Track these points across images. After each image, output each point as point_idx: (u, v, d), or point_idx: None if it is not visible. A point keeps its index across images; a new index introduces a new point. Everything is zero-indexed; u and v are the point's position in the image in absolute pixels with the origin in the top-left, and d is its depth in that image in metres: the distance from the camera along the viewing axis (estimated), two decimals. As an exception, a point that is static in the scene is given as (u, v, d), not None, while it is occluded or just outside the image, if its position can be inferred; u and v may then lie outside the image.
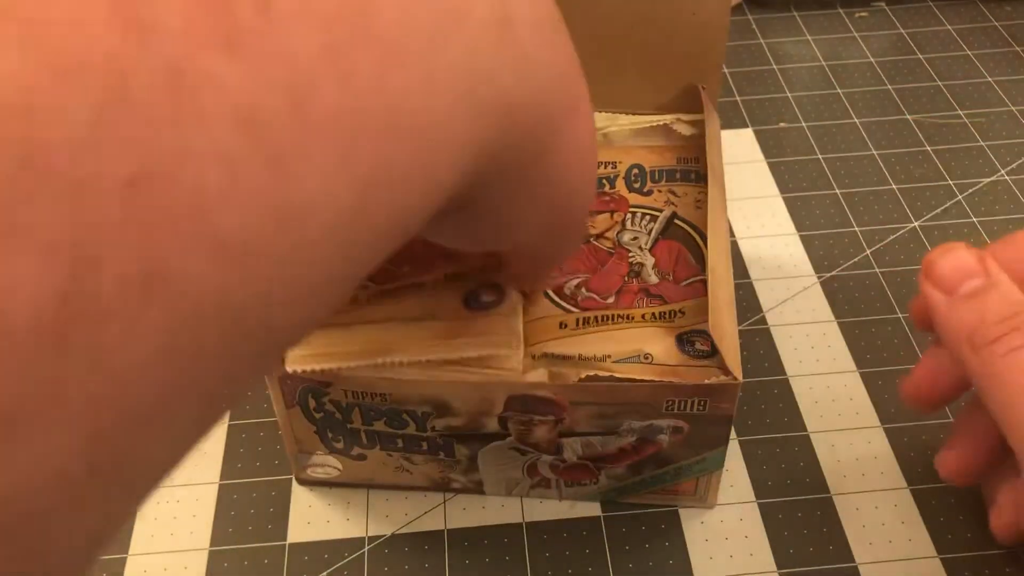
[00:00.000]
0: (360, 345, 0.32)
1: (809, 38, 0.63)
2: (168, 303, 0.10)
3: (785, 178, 0.53)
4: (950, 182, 0.52)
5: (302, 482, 0.39)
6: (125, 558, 0.37)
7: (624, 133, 0.41)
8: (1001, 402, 0.26)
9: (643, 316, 0.33)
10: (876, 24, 0.64)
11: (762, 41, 0.63)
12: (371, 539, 0.38)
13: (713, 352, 0.32)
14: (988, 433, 0.30)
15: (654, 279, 0.35)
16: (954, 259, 0.27)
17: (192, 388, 0.11)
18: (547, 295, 0.34)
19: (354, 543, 0.37)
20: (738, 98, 0.58)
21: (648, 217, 0.37)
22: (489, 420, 0.34)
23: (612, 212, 0.37)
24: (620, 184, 0.39)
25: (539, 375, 0.32)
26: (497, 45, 0.15)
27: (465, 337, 0.32)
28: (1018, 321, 0.26)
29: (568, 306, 0.34)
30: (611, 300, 0.34)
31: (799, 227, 0.50)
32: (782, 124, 0.56)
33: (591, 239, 0.36)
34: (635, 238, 0.36)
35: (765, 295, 0.46)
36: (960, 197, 0.51)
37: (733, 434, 0.40)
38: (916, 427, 0.40)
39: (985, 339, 0.26)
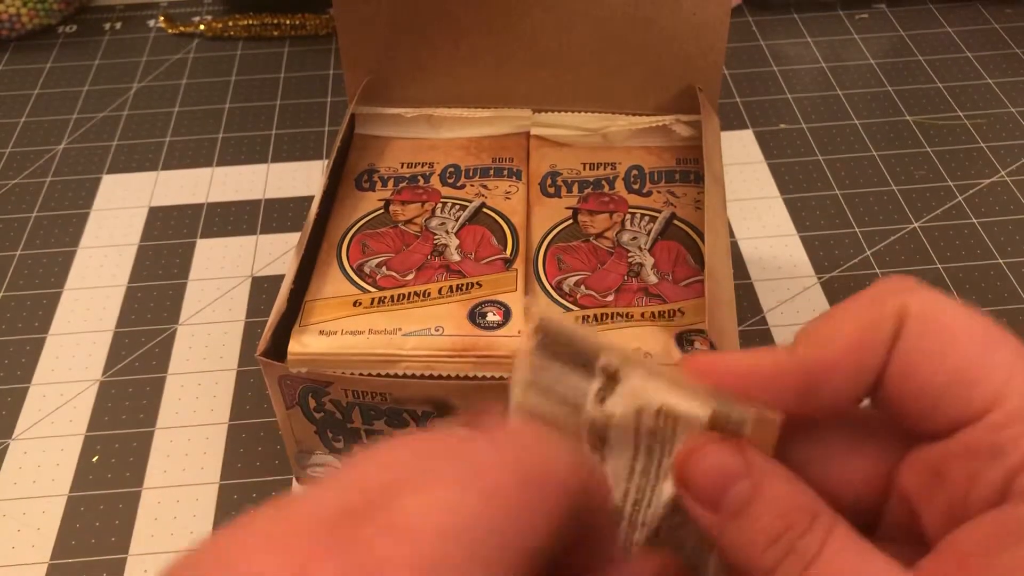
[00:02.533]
0: (366, 354, 0.32)
1: (809, 40, 0.63)
2: None
3: (785, 179, 0.53)
4: (950, 183, 0.52)
5: (302, 482, 0.39)
6: (125, 558, 0.37)
7: (623, 133, 0.41)
8: None
9: (642, 315, 0.33)
10: (876, 26, 0.64)
11: (762, 43, 0.63)
12: (371, 539, 0.38)
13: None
14: None
15: (653, 279, 0.35)
16: (709, 464, 0.20)
17: None
18: (546, 291, 0.34)
19: (354, 543, 0.37)
20: (738, 99, 0.58)
21: (647, 218, 0.37)
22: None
23: (611, 212, 0.38)
24: (619, 185, 0.39)
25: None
26: None
27: (473, 352, 0.32)
28: (789, 541, 0.19)
29: (567, 303, 0.34)
30: (610, 299, 0.34)
31: (799, 228, 0.50)
32: (782, 125, 0.57)
33: (591, 238, 0.37)
34: (634, 238, 0.36)
35: (765, 296, 0.46)
36: (960, 198, 0.51)
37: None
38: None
39: (763, 571, 0.20)
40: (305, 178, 0.54)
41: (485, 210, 0.38)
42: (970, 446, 0.18)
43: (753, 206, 0.51)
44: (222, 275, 0.49)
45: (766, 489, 0.20)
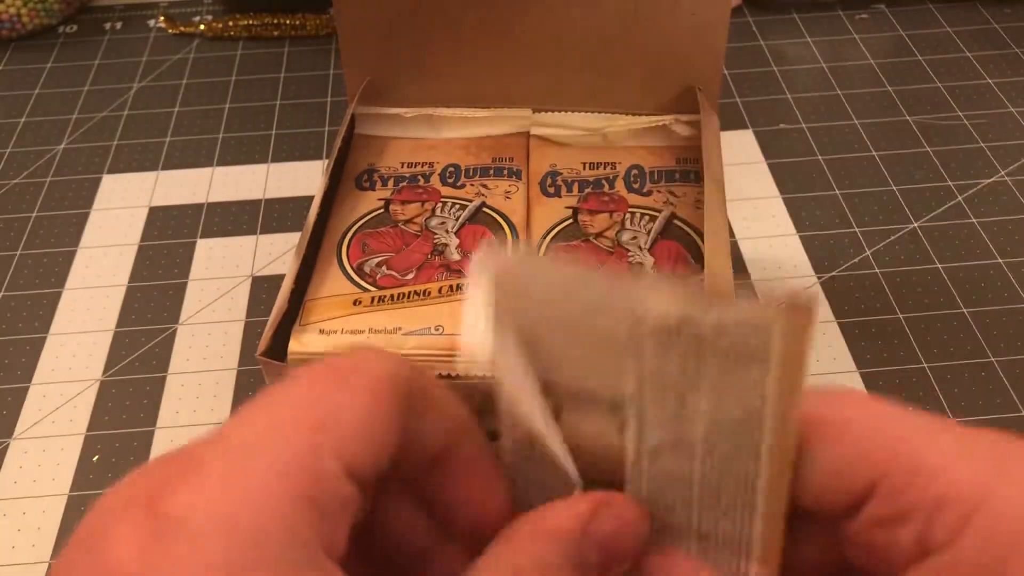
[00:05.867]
0: None
1: (809, 40, 0.63)
2: None
3: (785, 179, 0.53)
4: (950, 183, 0.52)
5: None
6: (125, 557, 0.37)
7: (623, 133, 0.41)
8: None
9: (642, 315, 0.33)
10: (876, 26, 0.64)
11: (762, 43, 0.63)
12: (371, 539, 0.38)
13: (712, 351, 0.32)
14: None
15: (653, 278, 0.35)
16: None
17: None
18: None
19: (354, 543, 0.37)
20: (738, 99, 0.58)
21: (647, 217, 0.37)
22: (488, 419, 0.34)
23: (611, 212, 0.38)
24: (619, 184, 0.39)
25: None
26: None
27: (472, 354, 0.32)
28: None
29: (567, 305, 0.34)
30: (610, 299, 0.34)
31: (799, 228, 0.50)
32: (782, 125, 0.57)
33: (591, 238, 0.37)
34: (634, 238, 0.37)
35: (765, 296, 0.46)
36: (960, 198, 0.51)
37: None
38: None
39: None
40: (305, 178, 0.54)
41: (485, 210, 0.38)
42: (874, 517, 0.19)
43: (753, 206, 0.51)
44: (222, 275, 0.49)
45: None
